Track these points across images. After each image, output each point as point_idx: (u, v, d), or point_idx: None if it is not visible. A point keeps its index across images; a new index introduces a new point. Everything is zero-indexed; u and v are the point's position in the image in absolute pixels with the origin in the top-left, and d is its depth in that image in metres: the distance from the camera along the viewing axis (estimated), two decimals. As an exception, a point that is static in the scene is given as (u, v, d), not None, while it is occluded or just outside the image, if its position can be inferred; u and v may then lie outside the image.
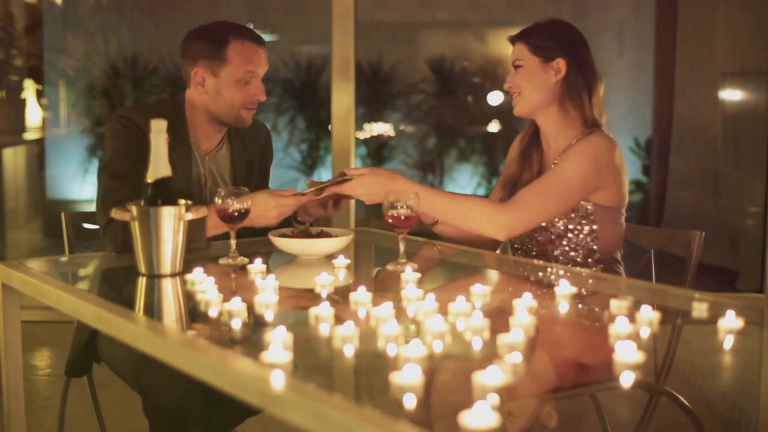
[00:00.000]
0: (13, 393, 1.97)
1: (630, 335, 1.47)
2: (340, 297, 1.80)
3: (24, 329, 2.00)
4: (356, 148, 4.70)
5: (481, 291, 1.76)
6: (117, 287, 2.04)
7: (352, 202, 4.31)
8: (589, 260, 2.30)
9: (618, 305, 1.68)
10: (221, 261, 2.05)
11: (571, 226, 2.28)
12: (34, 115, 5.87)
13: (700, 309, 1.71)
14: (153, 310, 1.77)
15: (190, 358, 1.36)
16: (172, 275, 1.89)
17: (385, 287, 1.97)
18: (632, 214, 6.46)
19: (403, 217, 2.01)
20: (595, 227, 2.28)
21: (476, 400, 1.10)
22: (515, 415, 1.08)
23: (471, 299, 1.71)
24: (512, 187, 2.41)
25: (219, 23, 2.38)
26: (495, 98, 6.57)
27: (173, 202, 1.89)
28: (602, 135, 2.27)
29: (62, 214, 2.43)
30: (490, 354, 1.40)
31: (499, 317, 1.59)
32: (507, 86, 2.37)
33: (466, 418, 1.08)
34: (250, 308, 1.63)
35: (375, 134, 6.69)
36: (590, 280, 2.03)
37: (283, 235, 2.18)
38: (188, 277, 1.85)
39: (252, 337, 1.57)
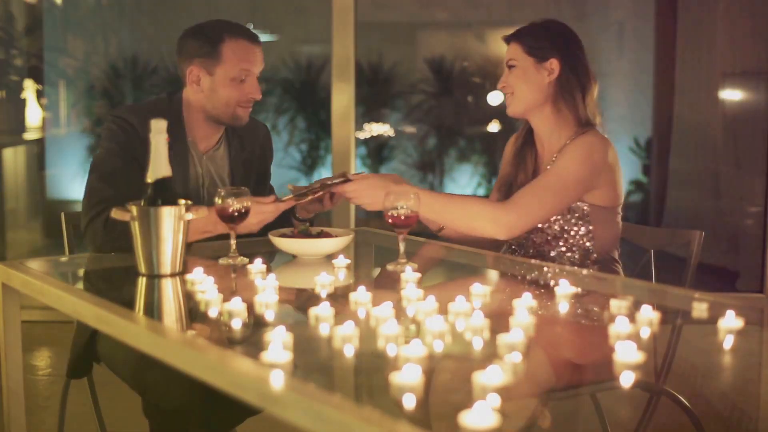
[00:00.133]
0: (13, 393, 1.97)
1: (630, 335, 1.47)
2: (340, 298, 1.80)
3: (24, 329, 2.00)
4: (356, 148, 4.70)
5: (481, 291, 1.76)
6: (117, 287, 2.04)
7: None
8: (587, 260, 2.30)
9: (618, 305, 1.68)
10: (221, 261, 2.05)
11: (567, 227, 2.28)
12: (34, 115, 5.87)
13: (700, 309, 1.71)
14: (153, 310, 1.77)
15: (190, 358, 1.36)
16: (172, 275, 1.89)
17: (385, 287, 1.97)
18: (632, 214, 6.47)
19: (403, 217, 2.01)
20: (591, 227, 2.28)
21: (476, 400, 1.10)
22: (509, 415, 1.08)
23: (471, 299, 1.71)
24: (507, 189, 2.41)
25: (214, 22, 2.38)
26: (495, 98, 6.57)
27: (173, 202, 1.89)
28: (596, 134, 2.28)
29: (62, 214, 2.43)
30: (490, 354, 1.40)
31: (499, 317, 1.59)
32: (500, 86, 2.37)
33: (465, 418, 1.08)
34: (250, 308, 1.63)
35: (375, 134, 6.70)
36: (590, 280, 2.03)
37: (283, 235, 2.18)
38: (188, 277, 1.85)
39: (252, 337, 1.57)
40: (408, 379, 1.22)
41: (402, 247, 2.05)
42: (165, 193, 1.88)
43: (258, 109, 6.38)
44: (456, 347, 1.49)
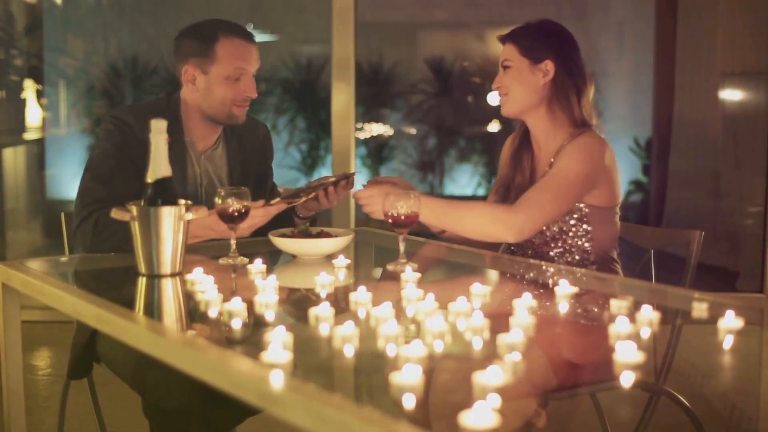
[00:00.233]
0: (13, 393, 1.97)
1: (630, 335, 1.47)
2: (340, 299, 1.80)
3: (24, 329, 2.00)
4: (356, 148, 4.70)
5: (481, 291, 1.76)
6: (117, 287, 2.04)
7: (352, 202, 4.31)
8: (585, 261, 2.30)
9: (618, 305, 1.68)
10: (221, 261, 2.05)
11: (565, 228, 2.28)
12: (34, 115, 5.87)
13: (700, 309, 1.71)
14: (153, 310, 1.77)
15: (190, 358, 1.36)
16: (172, 275, 1.89)
17: (385, 287, 1.97)
18: (632, 214, 6.47)
19: (403, 217, 2.01)
20: (589, 228, 2.28)
21: (476, 400, 1.10)
22: (505, 415, 1.08)
23: (471, 299, 1.71)
24: (505, 191, 2.41)
25: (208, 21, 2.37)
26: (495, 98, 6.56)
27: (173, 202, 1.89)
28: (594, 135, 2.28)
29: (62, 214, 2.43)
30: (490, 354, 1.40)
31: (499, 317, 1.59)
32: (495, 86, 2.37)
33: (465, 418, 1.08)
34: (250, 308, 1.63)
35: (375, 134, 6.70)
36: (590, 280, 2.03)
37: (283, 235, 2.18)
38: (188, 277, 1.85)
39: (252, 337, 1.57)
40: (408, 379, 1.22)
41: (402, 247, 2.05)
42: (165, 193, 1.88)
43: (258, 109, 6.38)
44: (456, 347, 1.49)
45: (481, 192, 6.63)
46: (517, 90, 2.32)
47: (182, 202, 1.92)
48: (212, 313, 1.64)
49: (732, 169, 5.59)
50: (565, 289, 1.78)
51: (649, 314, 1.57)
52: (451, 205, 2.23)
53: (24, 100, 5.78)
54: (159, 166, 1.87)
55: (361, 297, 1.68)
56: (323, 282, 1.85)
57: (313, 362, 1.43)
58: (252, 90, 2.36)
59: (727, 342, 1.52)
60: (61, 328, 4.00)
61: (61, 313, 1.85)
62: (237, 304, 1.59)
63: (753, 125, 5.37)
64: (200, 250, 2.19)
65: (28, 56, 5.87)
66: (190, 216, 1.90)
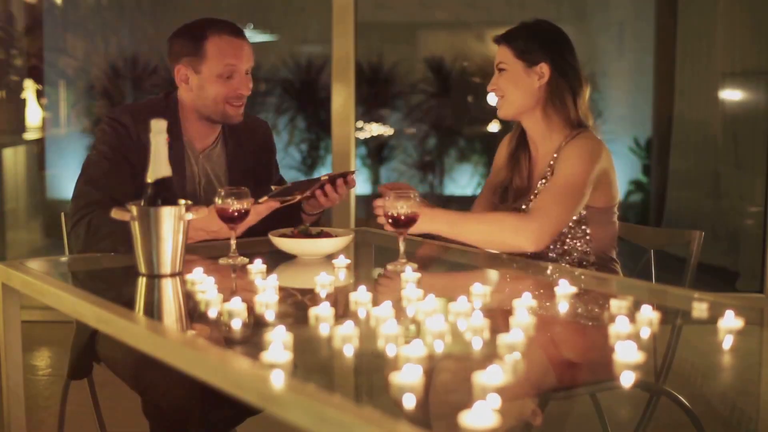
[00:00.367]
0: (13, 393, 1.97)
1: (630, 335, 1.47)
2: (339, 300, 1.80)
3: (24, 329, 2.00)
4: (356, 148, 4.70)
5: (481, 291, 1.76)
6: (117, 287, 2.04)
7: (352, 202, 4.32)
8: (585, 261, 2.29)
9: (618, 305, 1.68)
10: (221, 261, 2.05)
11: (565, 229, 2.28)
12: (34, 115, 5.87)
13: (700, 309, 1.71)
14: (153, 310, 1.77)
15: (190, 358, 1.36)
16: (172, 275, 1.89)
17: (385, 287, 1.97)
18: (632, 214, 6.46)
19: (403, 217, 2.01)
20: (588, 229, 2.28)
21: (476, 400, 1.10)
22: (502, 414, 1.08)
23: (471, 299, 1.71)
24: (503, 193, 2.40)
25: (198, 20, 2.36)
26: (494, 98, 6.57)
27: (173, 202, 1.89)
28: (591, 136, 2.28)
29: (62, 214, 2.43)
30: (490, 354, 1.40)
31: (499, 317, 1.59)
32: (490, 88, 2.37)
33: (465, 418, 1.08)
34: (250, 308, 1.63)
35: (375, 134, 6.69)
36: (590, 280, 2.03)
37: (283, 235, 2.18)
38: (188, 277, 1.85)
39: (252, 337, 1.57)
40: (408, 379, 1.22)
41: (402, 247, 2.05)
42: (165, 193, 1.88)
43: (258, 109, 6.38)
44: (456, 347, 1.49)
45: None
46: (512, 93, 2.31)
47: (182, 202, 1.92)
48: (212, 313, 1.64)
49: (732, 169, 5.59)
50: (565, 289, 1.78)
51: (649, 314, 1.57)
52: (466, 217, 2.21)
53: (24, 100, 5.78)
54: (159, 166, 1.87)
55: (361, 297, 1.68)
56: (323, 282, 1.85)
57: (313, 362, 1.43)
58: (245, 87, 2.34)
59: (727, 342, 1.52)
60: (61, 328, 3.98)
61: (61, 313, 1.85)
62: (237, 304, 1.59)
63: (753, 125, 5.38)
64: (200, 250, 2.19)
65: (28, 56, 5.87)
66: (190, 216, 1.90)
